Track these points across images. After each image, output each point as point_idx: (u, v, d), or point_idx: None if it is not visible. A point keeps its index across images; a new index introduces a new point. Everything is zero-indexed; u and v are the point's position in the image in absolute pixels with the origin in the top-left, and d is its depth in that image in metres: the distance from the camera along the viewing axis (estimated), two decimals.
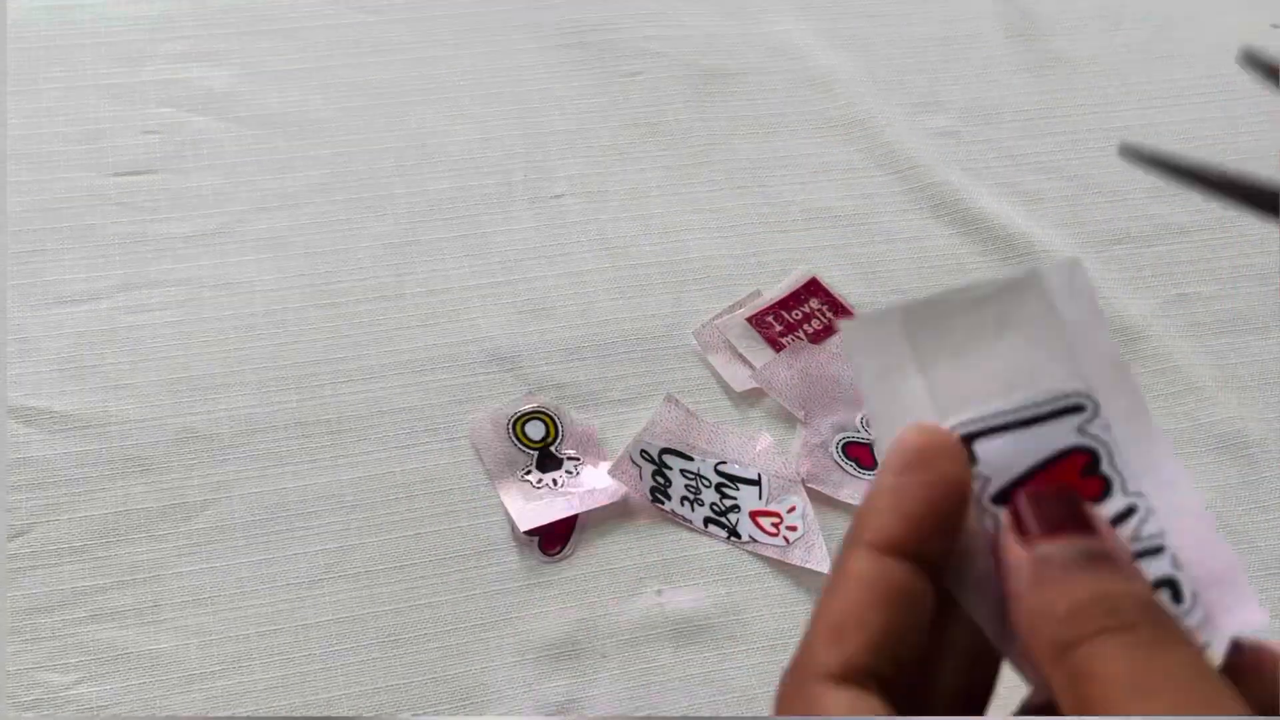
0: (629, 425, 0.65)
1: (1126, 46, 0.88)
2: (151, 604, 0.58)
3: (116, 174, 0.73)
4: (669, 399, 0.66)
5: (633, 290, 0.71)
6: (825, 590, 0.27)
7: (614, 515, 0.63)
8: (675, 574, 0.62)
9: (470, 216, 0.73)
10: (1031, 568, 0.26)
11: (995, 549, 0.27)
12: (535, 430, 0.64)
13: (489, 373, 0.67)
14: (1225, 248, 0.77)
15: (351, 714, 0.56)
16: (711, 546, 0.62)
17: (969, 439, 0.28)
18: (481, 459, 0.64)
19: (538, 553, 0.61)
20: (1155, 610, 0.25)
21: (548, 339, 0.68)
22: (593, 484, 0.63)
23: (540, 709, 0.57)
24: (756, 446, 0.65)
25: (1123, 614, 0.25)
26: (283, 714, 0.56)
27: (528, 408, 0.65)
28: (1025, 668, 0.27)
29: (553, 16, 0.84)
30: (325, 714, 0.56)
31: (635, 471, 0.63)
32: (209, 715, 0.56)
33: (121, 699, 0.56)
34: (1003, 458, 0.28)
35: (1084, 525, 0.27)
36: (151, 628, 0.58)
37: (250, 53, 0.79)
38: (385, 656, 0.58)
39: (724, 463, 0.64)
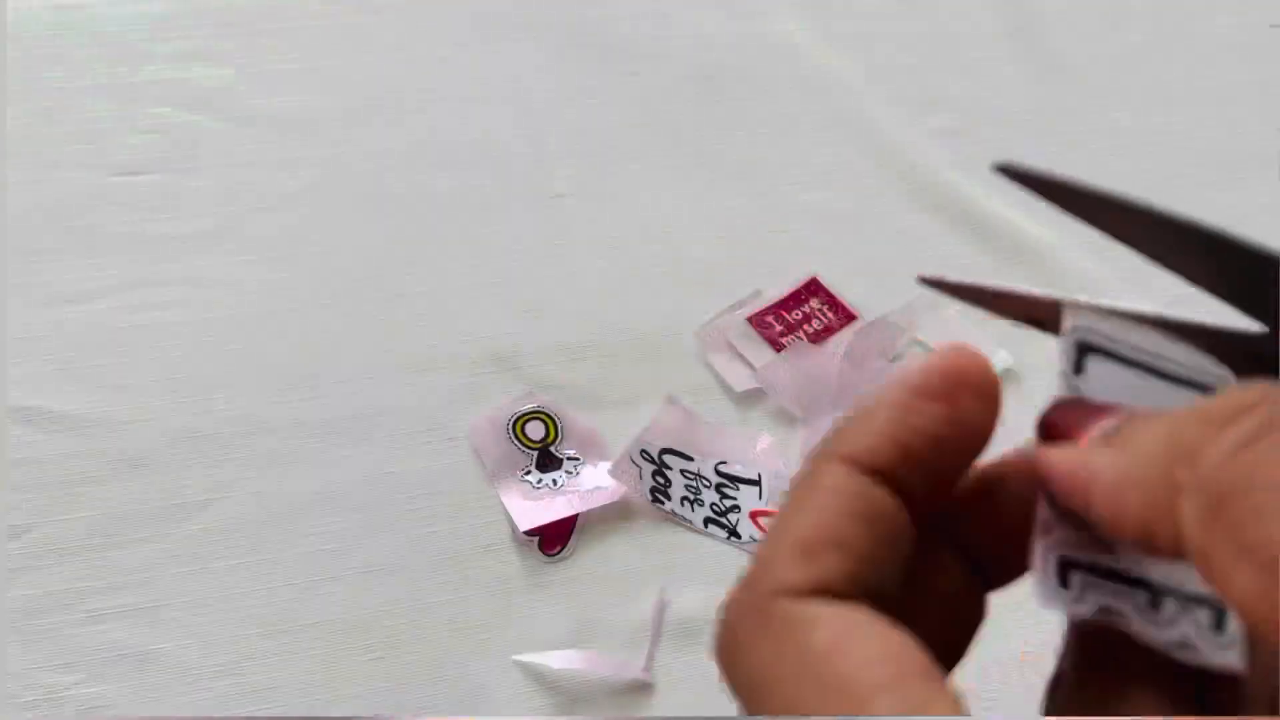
0: (629, 425, 0.65)
1: (1127, 45, 0.88)
2: (151, 605, 0.58)
3: (115, 174, 0.72)
4: (669, 400, 0.65)
5: (632, 290, 0.71)
6: (788, 505, 0.22)
7: (614, 516, 0.63)
8: (676, 575, 0.62)
9: (470, 216, 0.73)
10: (1093, 446, 0.22)
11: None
12: (535, 430, 0.64)
13: (489, 373, 0.67)
14: None
15: (351, 715, 0.56)
16: (712, 547, 0.62)
17: (1084, 348, 0.24)
18: (481, 459, 0.63)
19: (538, 553, 0.61)
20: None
21: (548, 339, 0.68)
22: (593, 484, 0.63)
23: (540, 710, 0.57)
24: (757, 446, 0.65)
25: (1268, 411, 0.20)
26: (282, 715, 0.56)
27: (528, 407, 0.65)
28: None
29: (552, 15, 0.84)
30: (325, 715, 0.56)
31: (635, 472, 0.63)
32: (209, 715, 0.55)
33: (121, 700, 0.56)
34: (1110, 387, 0.24)
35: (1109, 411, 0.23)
36: (151, 629, 0.58)
37: (249, 52, 0.79)
38: (385, 658, 0.58)
39: (724, 463, 0.64)
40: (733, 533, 0.62)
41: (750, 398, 0.67)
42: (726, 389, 0.67)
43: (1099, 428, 0.22)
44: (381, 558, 0.60)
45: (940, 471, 0.23)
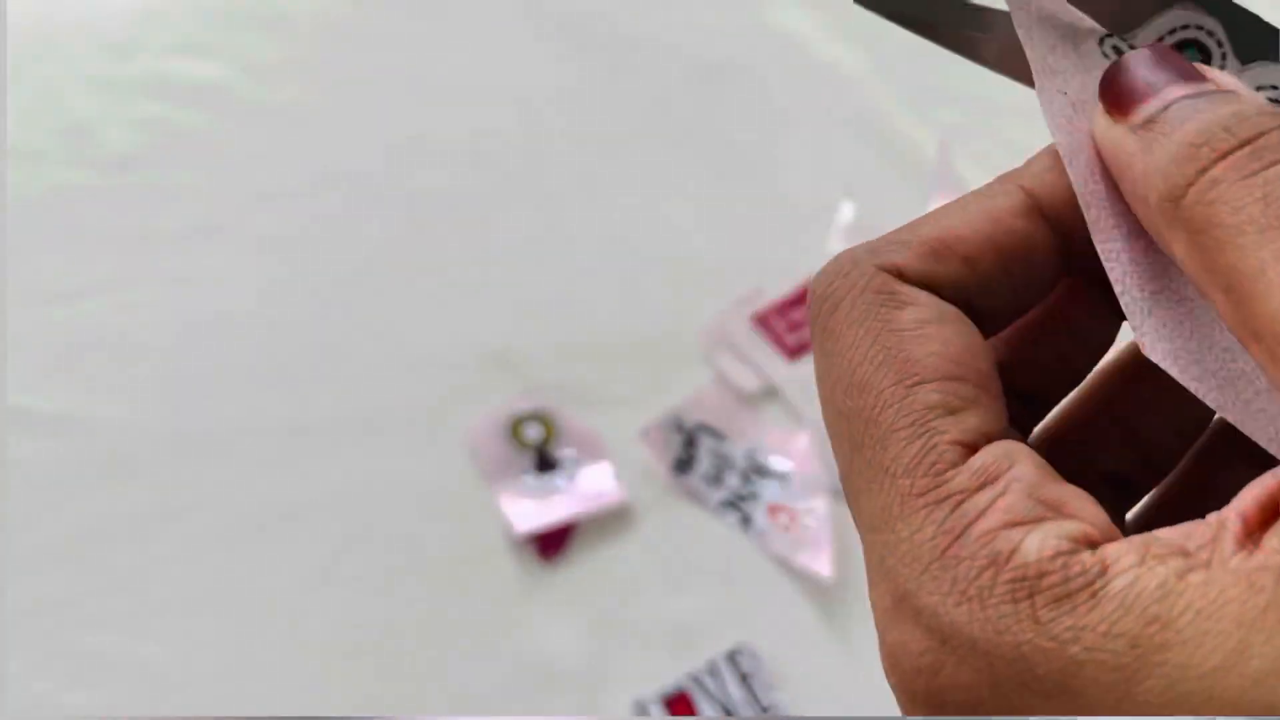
0: (629, 425, 0.64)
1: None
2: (139, 610, 0.58)
3: (104, 168, 0.72)
4: (719, 378, 0.66)
5: (633, 288, 0.70)
6: (953, 201, 0.23)
7: (613, 520, 0.62)
8: (675, 579, 0.61)
9: (466, 212, 0.72)
10: (1137, 135, 0.21)
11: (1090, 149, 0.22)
12: (533, 432, 0.64)
13: (486, 373, 0.66)
14: None
15: (351, 715, 0.56)
16: (713, 552, 0.62)
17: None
18: (479, 461, 0.63)
19: (535, 557, 0.61)
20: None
21: (546, 339, 0.67)
22: (591, 486, 0.63)
23: (540, 715, 0.57)
24: (796, 444, 0.64)
25: (1240, 129, 0.20)
26: None
27: (526, 409, 0.65)
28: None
29: (551, 7, 0.83)
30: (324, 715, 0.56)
31: (664, 439, 0.63)
32: (208, 715, 0.55)
33: (108, 707, 0.55)
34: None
35: (1192, 74, 0.21)
36: (139, 634, 0.57)
37: (240, 46, 0.78)
38: (378, 665, 0.57)
39: (757, 450, 0.64)
40: (745, 520, 0.62)
41: (757, 398, 0.67)
42: (727, 389, 0.67)
43: (1144, 110, 0.21)
44: (376, 563, 0.60)
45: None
